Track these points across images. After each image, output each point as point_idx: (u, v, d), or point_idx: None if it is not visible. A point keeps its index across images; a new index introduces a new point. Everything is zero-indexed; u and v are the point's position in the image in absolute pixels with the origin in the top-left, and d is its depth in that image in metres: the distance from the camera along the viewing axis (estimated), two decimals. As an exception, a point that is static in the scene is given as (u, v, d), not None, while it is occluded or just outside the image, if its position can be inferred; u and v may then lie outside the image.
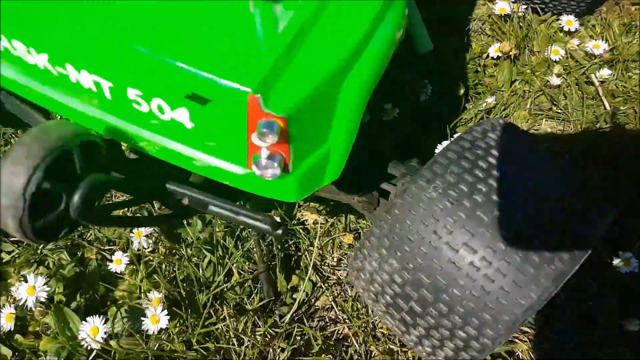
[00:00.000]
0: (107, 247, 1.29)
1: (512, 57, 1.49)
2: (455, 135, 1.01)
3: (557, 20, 1.58)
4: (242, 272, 1.23)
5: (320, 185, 0.85)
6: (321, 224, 1.29)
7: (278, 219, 1.30)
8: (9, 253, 1.28)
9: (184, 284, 1.20)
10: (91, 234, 1.31)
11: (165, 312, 1.09)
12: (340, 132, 0.82)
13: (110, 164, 0.86)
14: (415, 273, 0.80)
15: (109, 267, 1.19)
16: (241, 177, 0.82)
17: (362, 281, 0.92)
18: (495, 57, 1.50)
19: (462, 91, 1.46)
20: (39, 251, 1.27)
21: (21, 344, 1.15)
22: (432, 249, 0.79)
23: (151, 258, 1.25)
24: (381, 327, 1.17)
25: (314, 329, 1.16)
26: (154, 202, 1.13)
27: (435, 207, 0.80)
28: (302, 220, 1.31)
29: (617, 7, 1.75)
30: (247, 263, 1.23)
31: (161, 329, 1.12)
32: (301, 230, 1.29)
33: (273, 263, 1.23)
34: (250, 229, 0.93)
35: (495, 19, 1.62)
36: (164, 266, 1.24)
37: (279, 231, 0.92)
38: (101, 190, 0.77)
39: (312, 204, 1.26)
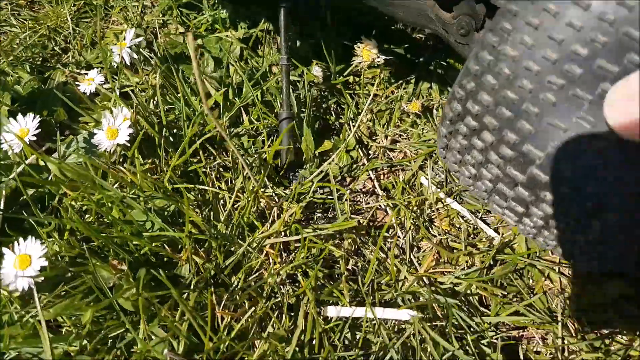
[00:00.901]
0: (84, 72, 0.95)
1: None
2: None
3: None
4: (255, 122, 0.86)
5: None
6: (376, 91, 0.91)
7: (318, 70, 0.93)
8: (-41, 60, 0.97)
9: (172, 125, 0.85)
10: (68, 56, 0.98)
11: (129, 124, 0.73)
12: None
13: None
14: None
15: (79, 87, 0.85)
16: None
17: (478, 105, 0.49)
18: None
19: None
20: (-4, 63, 0.95)
21: None
22: None
23: (133, 85, 0.90)
24: (441, 223, 0.77)
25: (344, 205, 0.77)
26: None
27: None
28: (351, 74, 0.94)
29: None
30: (266, 117, 0.86)
31: (122, 155, 0.76)
32: (348, 95, 0.92)
33: (302, 115, 0.86)
34: None
35: None
36: (151, 102, 0.89)
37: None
38: None
39: (367, 40, 0.88)
